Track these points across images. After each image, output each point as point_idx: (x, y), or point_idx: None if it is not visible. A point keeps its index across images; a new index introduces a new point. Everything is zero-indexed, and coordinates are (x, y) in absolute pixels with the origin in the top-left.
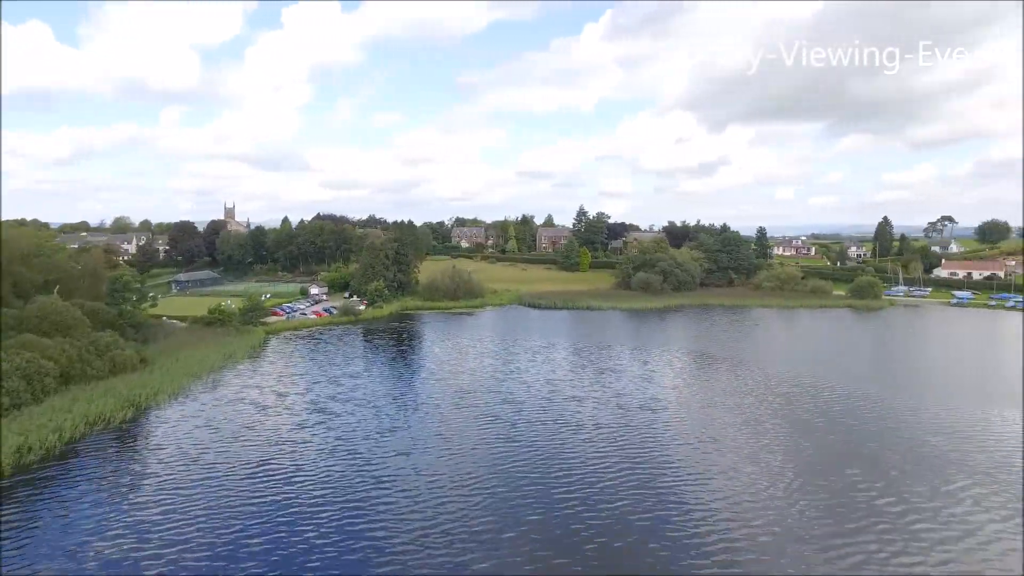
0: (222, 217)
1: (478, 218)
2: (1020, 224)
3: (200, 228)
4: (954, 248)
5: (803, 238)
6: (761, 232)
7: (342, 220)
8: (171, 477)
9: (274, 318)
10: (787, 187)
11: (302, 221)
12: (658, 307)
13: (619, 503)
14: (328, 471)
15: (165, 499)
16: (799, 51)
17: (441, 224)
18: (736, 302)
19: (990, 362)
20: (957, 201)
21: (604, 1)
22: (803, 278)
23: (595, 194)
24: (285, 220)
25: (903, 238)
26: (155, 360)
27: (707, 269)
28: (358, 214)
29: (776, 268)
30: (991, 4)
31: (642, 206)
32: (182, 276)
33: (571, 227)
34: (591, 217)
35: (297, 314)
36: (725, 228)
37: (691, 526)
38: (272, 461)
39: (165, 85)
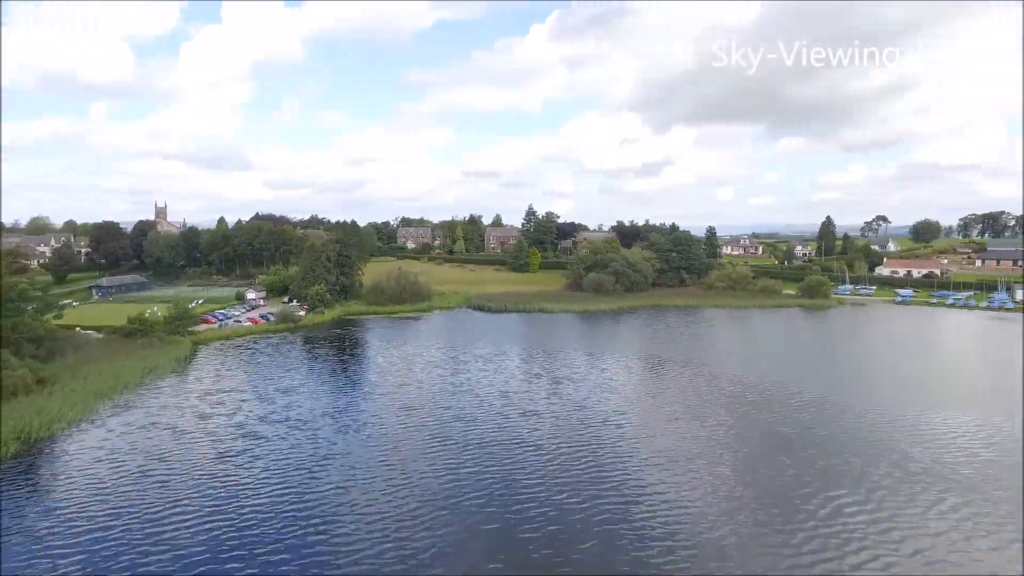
0: (152, 217)
1: (425, 218)
2: (948, 224)
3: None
4: (892, 247)
5: (746, 238)
6: (711, 231)
7: (282, 220)
8: (50, 532)
9: (204, 326)
10: (728, 187)
11: (239, 222)
12: (611, 309)
13: (589, 543)
14: (251, 514)
15: (38, 560)
16: (739, 54)
17: (386, 224)
18: (689, 303)
19: (947, 364)
20: (884, 202)
21: (550, 1)
22: (754, 278)
23: (541, 194)
24: (221, 220)
25: (846, 237)
26: (58, 379)
27: (659, 269)
28: (302, 214)
29: (727, 268)
30: (915, 15)
31: (588, 206)
32: (104, 281)
33: (520, 227)
34: (540, 217)
35: (231, 321)
36: (675, 228)
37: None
38: (183, 503)
39: (94, 78)
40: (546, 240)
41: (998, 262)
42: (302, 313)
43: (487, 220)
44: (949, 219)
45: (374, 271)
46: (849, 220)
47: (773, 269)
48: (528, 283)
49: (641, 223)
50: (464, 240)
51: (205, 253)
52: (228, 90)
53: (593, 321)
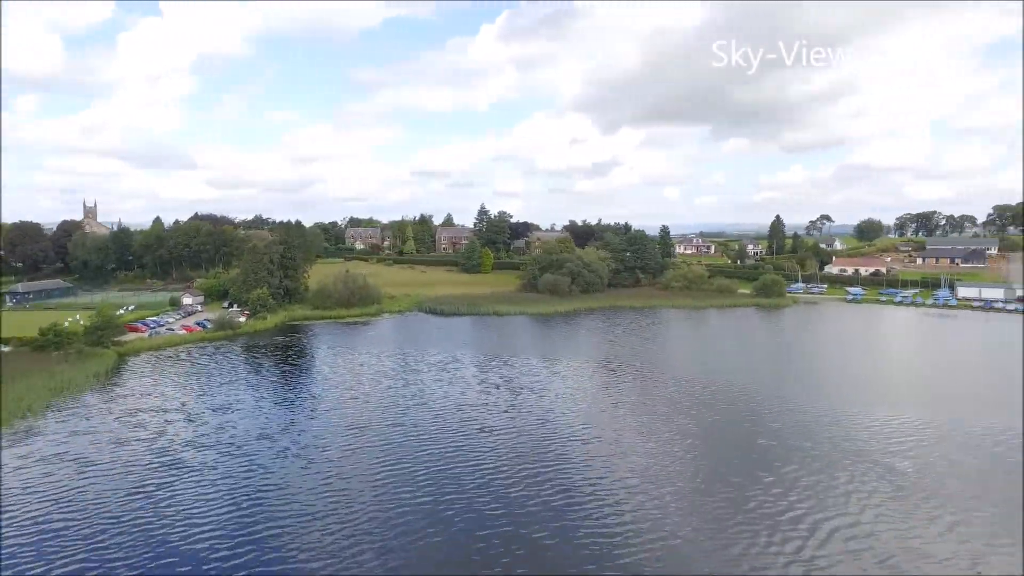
0: (81, 217)
1: (374, 218)
2: (886, 224)
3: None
4: (839, 245)
5: (697, 237)
6: (664, 231)
7: (223, 220)
8: None
9: (133, 335)
10: (675, 187)
11: (177, 222)
12: (567, 311)
13: None
14: (164, 570)
15: None
16: (686, 57)
17: (334, 224)
18: (646, 303)
19: (899, 363)
20: (823, 202)
21: (500, 2)
22: (710, 277)
23: (491, 194)
24: (157, 220)
25: (796, 236)
26: None
27: (614, 269)
28: (246, 214)
29: (683, 267)
30: (851, 22)
31: (538, 206)
32: (21, 287)
33: (472, 227)
34: (493, 216)
35: (163, 330)
36: (628, 227)
37: None
38: (78, 557)
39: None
40: (499, 240)
41: (936, 260)
42: (242, 319)
43: (438, 220)
44: (883, 218)
45: (321, 273)
46: (791, 219)
47: (727, 268)
48: (481, 284)
49: (593, 222)
50: (414, 240)
51: (138, 256)
52: (169, 85)
53: (549, 324)
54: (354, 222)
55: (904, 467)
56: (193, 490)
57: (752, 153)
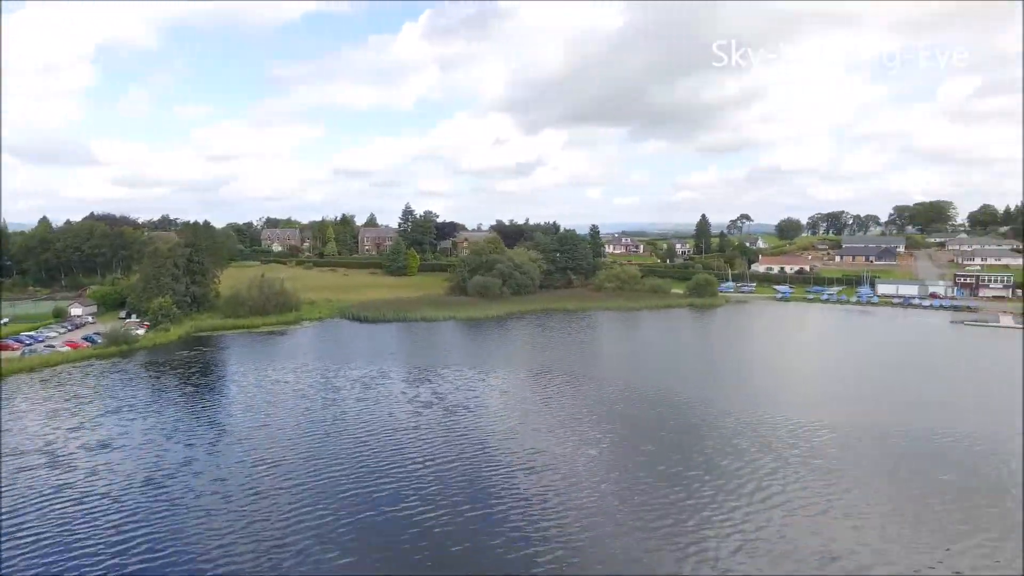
0: None
1: (292, 218)
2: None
3: None
4: (761, 244)
5: (627, 236)
6: (594, 230)
7: (122, 221)
8: None
9: (6, 355)
10: (596, 187)
11: (68, 222)
12: (499, 315)
13: None
14: None
15: None
16: (607, 59)
17: (249, 225)
18: (580, 305)
19: (832, 363)
20: (737, 202)
21: (423, 1)
22: (642, 277)
23: (415, 193)
24: (43, 220)
25: (722, 235)
26: None
27: (545, 270)
28: (152, 214)
29: (615, 268)
30: (761, 31)
31: (461, 206)
32: None
33: (396, 227)
34: (418, 216)
35: (41, 347)
36: (556, 226)
37: None
38: None
39: None
40: (424, 241)
41: (853, 258)
42: (141, 331)
43: (361, 220)
44: (791, 216)
45: (234, 278)
46: (709, 218)
47: (659, 268)
48: (407, 288)
49: (520, 222)
50: (336, 242)
51: (18, 260)
52: (66, 75)
53: (481, 330)
54: (271, 222)
55: (824, 465)
56: (44, 557)
57: (670, 154)
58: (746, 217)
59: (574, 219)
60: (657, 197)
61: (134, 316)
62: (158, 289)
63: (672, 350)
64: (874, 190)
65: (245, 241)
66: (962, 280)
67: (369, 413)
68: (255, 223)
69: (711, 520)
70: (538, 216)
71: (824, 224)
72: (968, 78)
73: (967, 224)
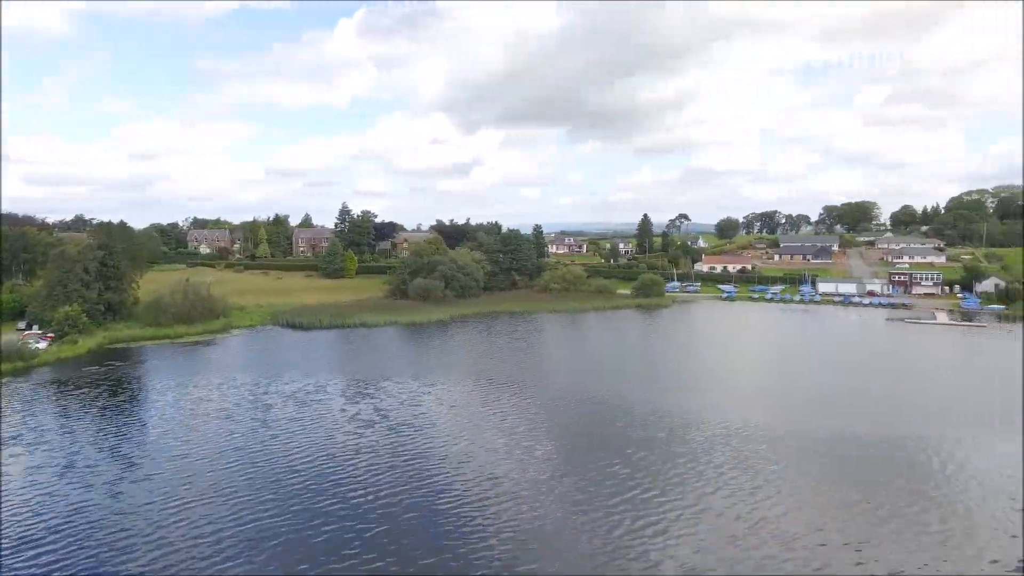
0: None
1: (223, 219)
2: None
3: None
4: (702, 243)
5: (570, 236)
6: (537, 230)
7: (26, 221)
8: None
9: None
10: (535, 187)
11: None
12: (442, 319)
13: None
14: None
15: None
16: (544, 61)
17: (175, 226)
18: (525, 308)
19: (802, 365)
20: (671, 201)
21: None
22: (588, 278)
23: (352, 193)
24: None
25: (665, 235)
26: None
27: (489, 272)
28: (64, 214)
29: (561, 268)
30: (692, 38)
31: (399, 206)
32: None
33: (333, 228)
34: (355, 216)
35: None
36: (498, 226)
37: None
38: None
39: None
40: (363, 242)
41: (791, 257)
42: (42, 345)
43: (295, 220)
44: (723, 217)
45: (156, 283)
46: (648, 218)
47: (603, 268)
48: (345, 291)
49: (460, 222)
50: (268, 243)
51: None
52: None
53: (423, 335)
54: (198, 223)
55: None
56: None
57: (607, 155)
58: (684, 217)
59: (514, 219)
60: (595, 197)
61: (36, 327)
62: (65, 296)
63: (621, 353)
64: (800, 190)
65: (170, 243)
66: (896, 279)
67: (304, 436)
68: (181, 224)
69: (656, 529)
70: (478, 216)
71: (758, 223)
72: (881, 87)
73: (890, 224)
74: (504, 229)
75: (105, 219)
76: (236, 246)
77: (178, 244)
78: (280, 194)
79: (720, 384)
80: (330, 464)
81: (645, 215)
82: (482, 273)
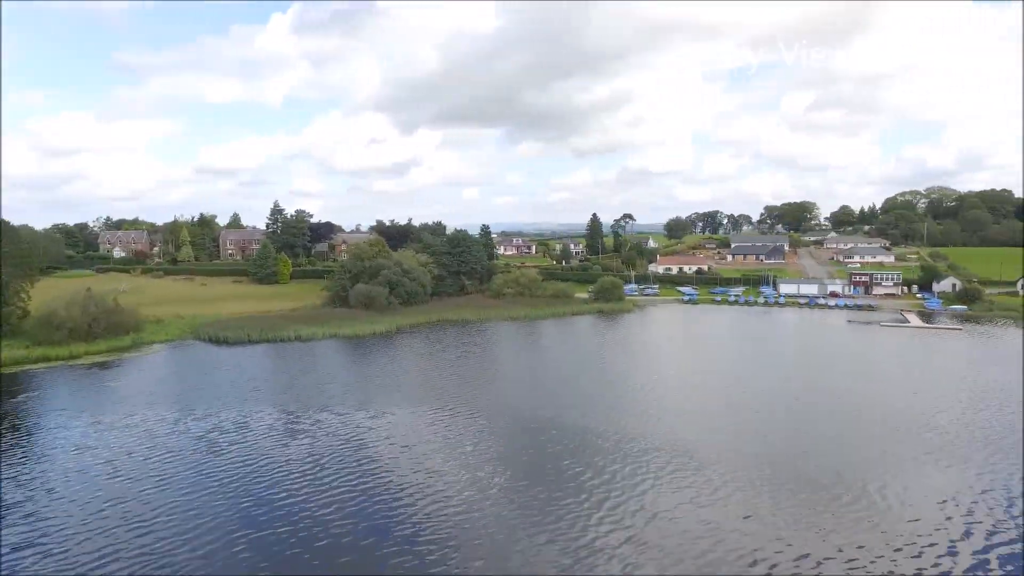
0: None
1: (141, 219)
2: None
3: None
4: (652, 244)
5: (519, 237)
6: (485, 231)
7: None
8: None
9: None
10: (473, 187)
11: None
12: (387, 330)
13: None
14: None
15: None
16: (481, 62)
17: (84, 227)
18: (478, 315)
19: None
20: (607, 202)
21: None
22: (543, 281)
23: (287, 193)
24: None
25: (617, 235)
26: None
27: (437, 276)
28: None
29: (514, 272)
30: (628, 42)
31: (336, 206)
32: None
33: (264, 228)
34: (289, 216)
35: None
36: (442, 226)
37: None
38: None
39: None
40: (297, 244)
41: (744, 257)
42: None
43: (224, 221)
44: (659, 217)
45: (53, 293)
46: (580, 218)
47: (557, 271)
48: (278, 298)
49: (403, 222)
50: (192, 245)
51: None
52: None
53: (367, 350)
54: (111, 224)
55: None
56: None
57: (544, 156)
58: (629, 216)
59: (454, 219)
60: (534, 197)
61: None
62: None
63: (585, 368)
64: (730, 191)
65: (78, 246)
66: (856, 279)
67: (217, 498)
68: (92, 224)
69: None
70: (419, 216)
71: (700, 223)
72: (805, 93)
73: (830, 224)
74: (449, 230)
75: (16, 221)
76: (155, 249)
77: (87, 247)
78: (211, 194)
79: (696, 406)
80: (247, 546)
81: (594, 215)
82: (429, 277)
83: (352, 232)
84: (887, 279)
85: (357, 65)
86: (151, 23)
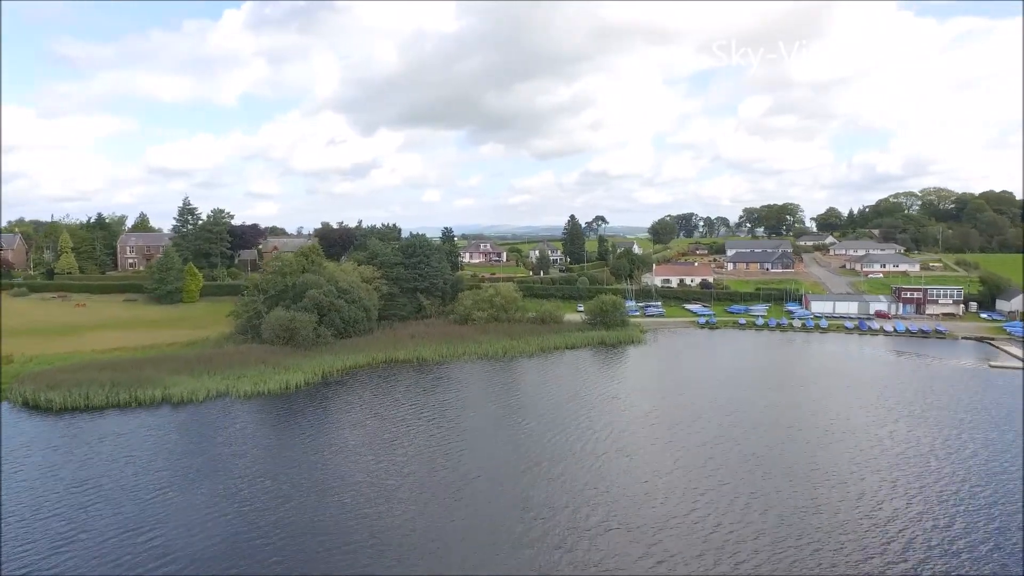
0: None
1: (26, 219)
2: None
3: None
4: (637, 249)
5: (488, 243)
6: (447, 234)
7: None
8: None
9: None
10: (434, 189)
11: None
12: (310, 380)
13: None
14: None
15: None
16: (442, 62)
17: None
18: (440, 351)
19: None
20: (569, 204)
21: None
22: (523, 298)
23: (243, 195)
24: None
25: (602, 240)
26: None
27: (386, 293)
28: None
29: (488, 290)
30: (588, 45)
31: (294, 208)
32: None
33: (172, 231)
34: (206, 216)
35: None
36: (397, 230)
37: None
38: None
39: None
40: (215, 251)
41: (747, 265)
42: None
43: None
44: (619, 220)
45: None
46: (541, 221)
47: (536, 284)
48: (177, 324)
49: (353, 224)
50: (76, 253)
51: None
52: None
53: (279, 418)
54: None
55: None
56: None
57: (506, 158)
58: (601, 219)
59: (414, 221)
60: (495, 200)
61: None
62: None
63: (624, 476)
64: (690, 194)
65: None
66: (905, 294)
67: None
68: None
69: None
70: (375, 218)
71: (677, 226)
72: (762, 97)
73: (815, 227)
74: (412, 233)
75: None
76: (29, 256)
77: None
78: (163, 195)
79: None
80: None
81: (572, 216)
82: (376, 297)
83: (295, 235)
84: (944, 294)
85: (316, 64)
86: (94, 15)
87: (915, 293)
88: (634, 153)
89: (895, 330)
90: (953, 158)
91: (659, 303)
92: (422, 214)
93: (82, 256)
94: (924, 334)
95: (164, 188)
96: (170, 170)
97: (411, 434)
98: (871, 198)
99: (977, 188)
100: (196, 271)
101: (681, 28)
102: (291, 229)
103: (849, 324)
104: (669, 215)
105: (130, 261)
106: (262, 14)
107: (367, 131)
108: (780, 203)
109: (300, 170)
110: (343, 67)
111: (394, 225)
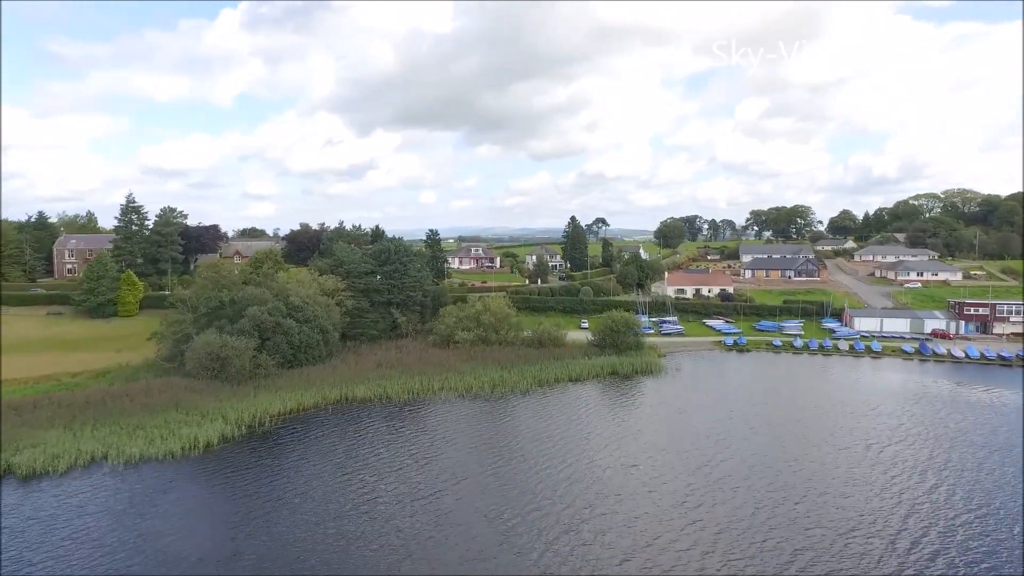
0: None
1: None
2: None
3: None
4: (643, 254)
5: (480, 247)
6: (432, 237)
7: None
8: None
9: None
10: (431, 190)
11: None
12: (230, 434)
13: None
14: None
15: None
16: (439, 63)
17: None
18: (412, 385)
19: None
20: (565, 206)
21: None
22: (517, 314)
23: (239, 196)
24: None
25: (607, 244)
26: None
27: (351, 310)
28: None
29: (475, 305)
30: (586, 46)
31: (292, 208)
32: None
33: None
34: (154, 216)
35: None
36: (378, 232)
37: None
38: None
39: None
40: (163, 256)
41: (767, 273)
42: None
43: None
44: (614, 222)
45: None
46: (537, 223)
47: (535, 296)
48: (103, 345)
49: (335, 225)
50: (3, 257)
51: None
52: None
53: (153, 510)
54: None
55: None
56: None
57: (503, 159)
58: (602, 221)
59: (409, 222)
60: (491, 201)
61: None
62: None
63: None
64: (686, 196)
65: None
66: (966, 310)
67: None
68: None
69: None
70: (372, 220)
71: (684, 229)
72: (759, 99)
73: (828, 230)
74: (392, 236)
75: None
76: None
77: None
78: (159, 195)
79: None
80: None
81: (573, 218)
82: (339, 314)
83: (269, 239)
84: (1016, 311)
85: (312, 64)
86: (88, 14)
87: (980, 309)
88: (631, 155)
89: (966, 355)
90: (947, 160)
91: (676, 319)
92: (418, 215)
93: (8, 260)
94: (1005, 362)
95: (159, 187)
96: (165, 170)
97: (382, 497)
98: (866, 201)
99: (976, 190)
100: (136, 279)
101: (679, 29)
102: (283, 229)
103: (908, 348)
104: (672, 217)
105: (69, 267)
106: (258, 14)
107: (363, 131)
108: (789, 205)
109: (296, 171)
110: (339, 67)
111: (377, 227)
